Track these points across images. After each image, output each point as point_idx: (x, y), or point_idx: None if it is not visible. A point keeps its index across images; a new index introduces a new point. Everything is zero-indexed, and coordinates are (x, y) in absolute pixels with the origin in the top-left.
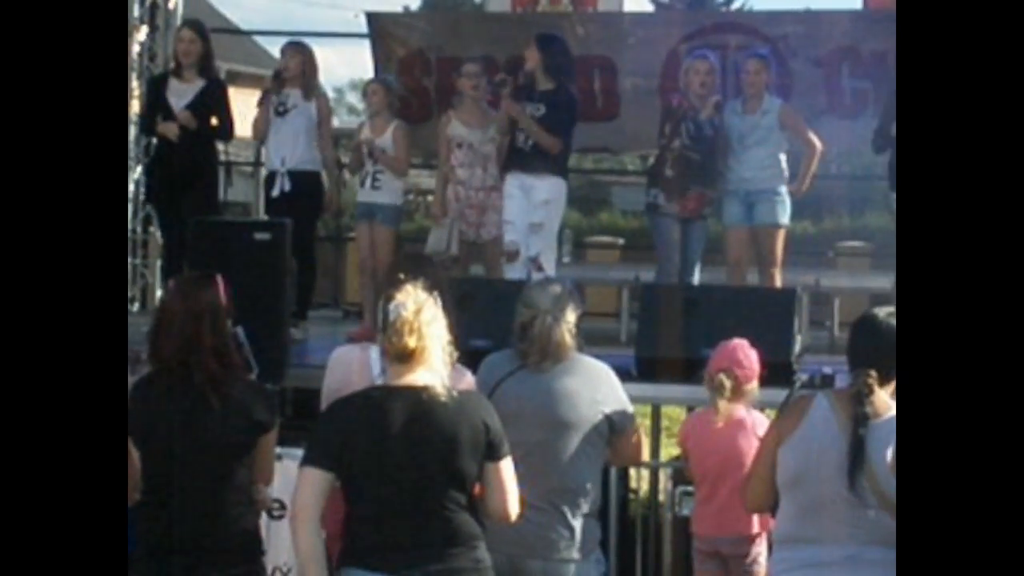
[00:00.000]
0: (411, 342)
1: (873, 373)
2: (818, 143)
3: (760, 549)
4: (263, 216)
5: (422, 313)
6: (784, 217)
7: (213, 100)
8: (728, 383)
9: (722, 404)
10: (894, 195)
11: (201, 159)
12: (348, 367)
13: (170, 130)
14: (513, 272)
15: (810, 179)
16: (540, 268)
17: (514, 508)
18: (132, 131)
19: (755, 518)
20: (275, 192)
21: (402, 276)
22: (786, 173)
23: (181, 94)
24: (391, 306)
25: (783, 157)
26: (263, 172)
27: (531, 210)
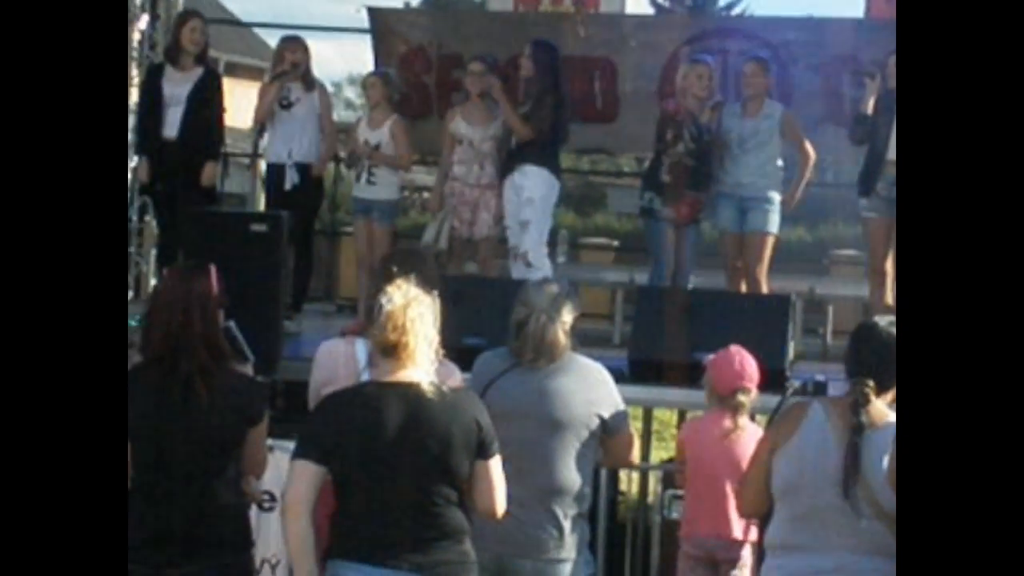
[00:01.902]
0: (394, 336)
1: (870, 382)
2: (812, 153)
3: (747, 554)
4: (260, 208)
5: (409, 309)
6: (774, 226)
7: (211, 90)
8: (747, 401)
9: (742, 420)
10: (863, 201)
11: (201, 149)
12: (334, 361)
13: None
14: (516, 270)
15: (803, 189)
16: (529, 264)
17: (501, 505)
18: (131, 120)
19: (741, 525)
20: (287, 185)
21: (395, 269)
22: (780, 180)
23: (178, 82)
24: (381, 299)
25: (779, 163)
26: (262, 164)
27: (520, 207)
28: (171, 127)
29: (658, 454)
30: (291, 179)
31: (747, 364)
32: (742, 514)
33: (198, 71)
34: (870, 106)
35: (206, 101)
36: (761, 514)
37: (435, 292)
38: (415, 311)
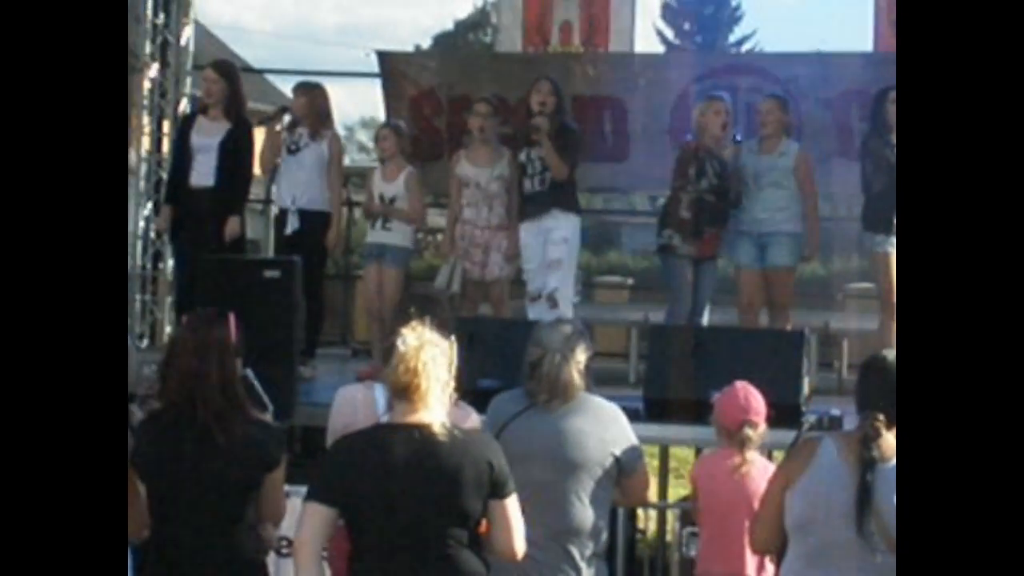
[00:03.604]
0: (406, 378)
1: (881, 416)
2: (816, 196)
3: None
4: (273, 254)
5: (422, 351)
6: (795, 259)
7: (239, 143)
8: (754, 435)
9: (750, 455)
10: (878, 236)
11: (227, 201)
12: (353, 406)
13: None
14: (534, 312)
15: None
16: (555, 305)
17: (520, 546)
18: (143, 168)
19: (754, 562)
20: (287, 231)
21: (412, 310)
22: (799, 216)
23: (206, 132)
24: (395, 341)
25: (797, 200)
26: (273, 210)
27: (549, 248)
28: (197, 176)
29: (676, 492)
30: (291, 225)
31: (752, 398)
32: (754, 550)
33: (227, 122)
34: None
35: (237, 152)
36: (773, 549)
37: (451, 336)
38: (428, 354)
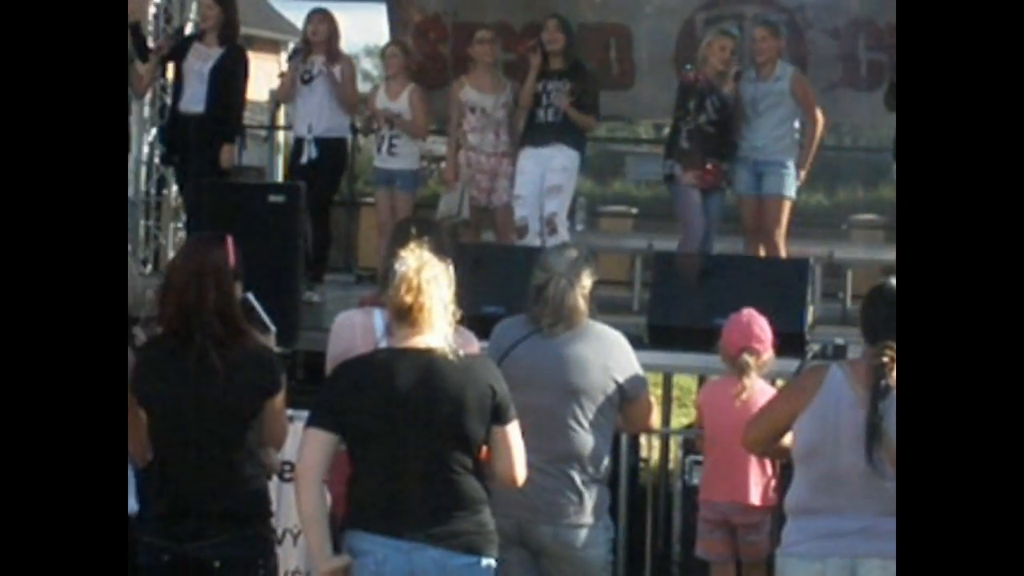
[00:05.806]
0: (409, 298)
1: (894, 345)
2: (821, 118)
3: (766, 519)
4: (277, 179)
5: (423, 271)
6: (790, 189)
7: (233, 67)
8: (752, 361)
9: (747, 382)
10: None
11: (219, 128)
12: (352, 331)
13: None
14: (532, 240)
15: (813, 157)
16: (554, 230)
17: (521, 473)
18: (147, 93)
19: (758, 490)
20: (303, 160)
21: (413, 231)
22: (796, 143)
23: (204, 57)
24: (395, 263)
25: (795, 125)
26: (281, 136)
27: (548, 175)
28: (188, 101)
29: (679, 420)
30: (308, 153)
31: (756, 325)
32: (745, 443)
33: (221, 48)
34: None
35: (227, 79)
36: (763, 450)
37: (448, 260)
38: (429, 273)
